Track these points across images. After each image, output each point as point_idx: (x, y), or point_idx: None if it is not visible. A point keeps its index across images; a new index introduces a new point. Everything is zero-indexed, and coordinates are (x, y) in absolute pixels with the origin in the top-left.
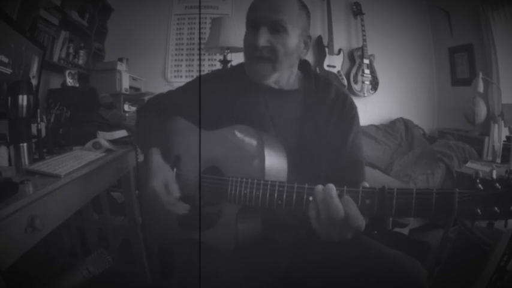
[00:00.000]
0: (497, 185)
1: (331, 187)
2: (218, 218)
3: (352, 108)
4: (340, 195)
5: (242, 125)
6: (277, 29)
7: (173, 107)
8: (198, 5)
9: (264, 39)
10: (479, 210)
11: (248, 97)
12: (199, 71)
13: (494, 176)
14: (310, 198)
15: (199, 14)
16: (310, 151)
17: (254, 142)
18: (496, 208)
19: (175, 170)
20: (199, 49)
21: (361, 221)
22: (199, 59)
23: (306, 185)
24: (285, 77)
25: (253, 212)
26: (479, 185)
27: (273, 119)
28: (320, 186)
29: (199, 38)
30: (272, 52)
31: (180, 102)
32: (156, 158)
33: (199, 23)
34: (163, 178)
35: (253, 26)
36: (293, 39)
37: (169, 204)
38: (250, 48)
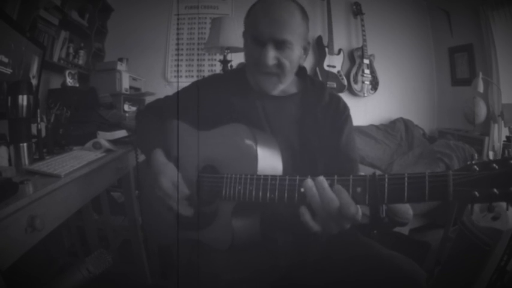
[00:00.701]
0: (495, 165)
1: (322, 179)
2: (215, 216)
3: (345, 109)
4: (331, 185)
5: (236, 124)
6: (283, 46)
7: (171, 111)
8: (197, 5)
9: (272, 57)
10: (476, 193)
11: (245, 99)
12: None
13: (491, 156)
14: (302, 190)
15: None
16: (308, 151)
17: (246, 140)
18: (494, 190)
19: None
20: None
21: (353, 209)
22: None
23: (297, 177)
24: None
25: (251, 210)
26: (475, 166)
27: (269, 120)
28: (310, 181)
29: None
30: (279, 68)
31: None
32: (161, 158)
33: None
34: (171, 177)
35: (258, 41)
36: (296, 52)
37: (176, 202)
38: (257, 64)
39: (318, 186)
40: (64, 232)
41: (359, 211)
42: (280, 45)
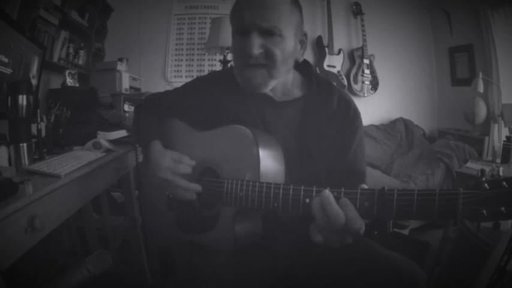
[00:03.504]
0: (504, 183)
1: (329, 194)
2: (216, 220)
3: (356, 119)
4: (337, 198)
5: (236, 125)
6: (271, 33)
7: (170, 108)
8: (197, 5)
9: (257, 45)
10: (484, 211)
11: (244, 100)
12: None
13: (501, 173)
14: (307, 200)
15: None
16: (309, 158)
17: (248, 141)
18: (502, 208)
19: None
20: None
21: (359, 224)
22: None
23: (302, 187)
24: (281, 84)
25: (252, 213)
26: (486, 185)
27: (267, 126)
28: (318, 199)
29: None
30: (268, 57)
31: (177, 104)
32: (160, 146)
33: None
34: (171, 156)
35: (241, 32)
36: (289, 42)
37: (182, 180)
38: (242, 56)
39: (323, 202)
40: (64, 232)
41: (363, 226)
42: (267, 33)
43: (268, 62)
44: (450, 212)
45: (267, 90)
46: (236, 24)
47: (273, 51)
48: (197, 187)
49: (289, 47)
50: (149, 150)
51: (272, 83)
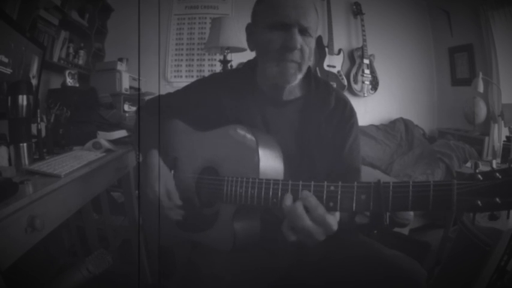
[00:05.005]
0: (498, 174)
1: (306, 195)
2: (215, 219)
3: (352, 116)
4: (330, 191)
5: (237, 125)
6: (306, 33)
7: (171, 109)
8: (197, 5)
9: (299, 41)
10: (479, 202)
11: (245, 101)
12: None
13: (494, 165)
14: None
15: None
16: (308, 157)
17: (248, 141)
18: (497, 199)
19: (172, 171)
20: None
21: (320, 210)
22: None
23: (301, 182)
24: None
25: (251, 212)
26: (479, 176)
27: (268, 127)
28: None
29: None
30: (301, 55)
31: (178, 105)
32: (156, 161)
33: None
34: (165, 184)
35: (281, 26)
36: (313, 42)
37: (168, 210)
38: (282, 49)
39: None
40: (64, 232)
41: (332, 219)
42: (304, 31)
43: (301, 59)
44: (445, 203)
45: (295, 83)
46: (277, 18)
47: (306, 51)
48: (179, 216)
49: (313, 46)
50: (147, 159)
51: (299, 77)
